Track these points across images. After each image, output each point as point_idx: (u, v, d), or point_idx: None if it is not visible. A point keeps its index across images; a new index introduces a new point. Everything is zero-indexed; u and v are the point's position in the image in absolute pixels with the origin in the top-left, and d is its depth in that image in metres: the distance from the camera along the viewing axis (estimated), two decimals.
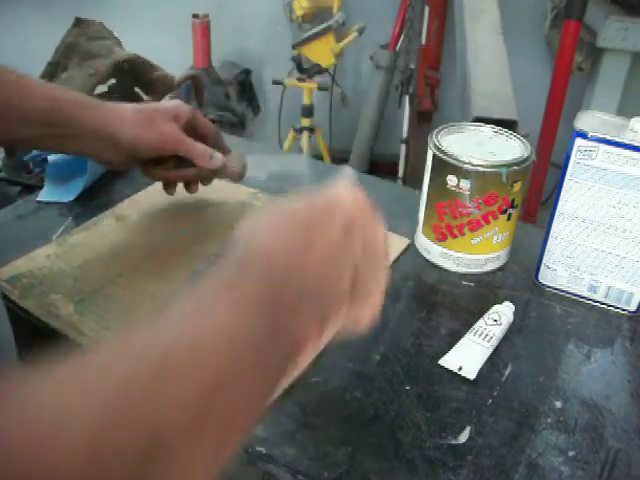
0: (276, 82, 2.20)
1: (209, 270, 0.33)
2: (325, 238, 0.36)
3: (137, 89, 1.02)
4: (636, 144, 0.54)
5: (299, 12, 2.21)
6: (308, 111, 2.24)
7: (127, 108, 0.64)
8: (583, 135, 0.56)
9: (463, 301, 0.62)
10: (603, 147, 0.55)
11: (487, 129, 0.66)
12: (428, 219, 0.64)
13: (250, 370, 0.30)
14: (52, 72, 0.90)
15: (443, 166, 0.60)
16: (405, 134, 2.21)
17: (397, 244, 0.68)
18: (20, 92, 0.59)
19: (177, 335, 0.28)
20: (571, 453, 0.46)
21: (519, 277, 0.65)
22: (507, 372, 0.53)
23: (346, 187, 0.40)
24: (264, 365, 0.31)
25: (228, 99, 2.24)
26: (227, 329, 0.29)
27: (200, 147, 0.65)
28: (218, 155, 0.66)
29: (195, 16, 2.14)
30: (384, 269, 0.41)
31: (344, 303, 0.37)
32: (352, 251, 0.37)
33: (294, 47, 2.13)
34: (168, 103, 0.68)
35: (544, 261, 0.63)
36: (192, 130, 0.67)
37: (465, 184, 0.59)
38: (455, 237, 0.63)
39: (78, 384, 0.25)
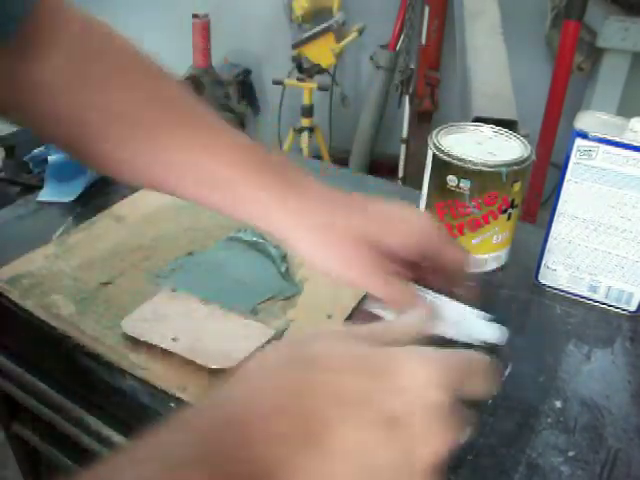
0: (276, 82, 2.20)
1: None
2: (357, 439, 0.26)
3: None
4: (636, 144, 0.54)
5: (299, 12, 2.21)
6: (308, 111, 2.23)
7: (310, 197, 0.45)
8: (583, 135, 0.55)
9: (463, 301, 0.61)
10: (603, 147, 0.55)
11: (487, 129, 0.66)
12: None
13: None
14: None
15: (443, 166, 0.60)
16: (405, 134, 2.21)
17: None
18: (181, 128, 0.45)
19: None
20: (571, 453, 0.46)
21: (519, 277, 0.65)
22: (507, 372, 0.53)
23: (415, 356, 0.28)
24: None
25: (228, 99, 2.25)
26: None
27: (396, 291, 0.44)
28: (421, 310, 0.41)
29: (195, 16, 2.14)
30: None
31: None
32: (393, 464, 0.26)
33: (294, 47, 2.13)
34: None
35: (544, 261, 0.63)
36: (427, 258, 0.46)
37: (465, 184, 0.59)
38: (455, 237, 0.63)
39: None
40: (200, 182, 0.45)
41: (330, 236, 0.44)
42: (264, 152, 0.46)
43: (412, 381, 0.27)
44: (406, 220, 0.46)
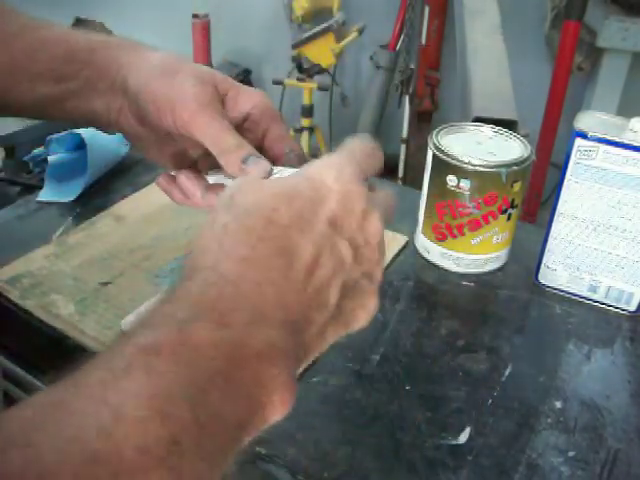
0: (276, 82, 2.20)
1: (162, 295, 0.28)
2: (309, 250, 0.30)
3: None
4: (636, 144, 0.54)
5: (299, 12, 2.21)
6: (308, 111, 2.24)
7: (153, 51, 0.46)
8: (583, 135, 0.55)
9: (463, 301, 0.62)
10: (603, 147, 0.55)
11: (487, 129, 0.66)
12: (428, 219, 0.64)
13: (189, 447, 0.23)
14: None
15: (443, 166, 0.60)
16: (405, 134, 2.21)
17: (395, 242, 0.68)
18: (34, 41, 0.46)
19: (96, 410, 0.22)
20: (571, 453, 0.46)
21: (519, 277, 0.65)
22: (507, 372, 0.53)
23: (332, 168, 0.33)
24: (210, 441, 0.25)
25: None
26: (155, 396, 0.23)
27: (231, 138, 0.42)
28: (262, 162, 0.41)
29: (195, 16, 2.14)
30: (379, 266, 0.35)
31: (333, 322, 0.32)
32: (341, 256, 0.31)
33: (294, 47, 2.13)
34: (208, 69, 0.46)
35: (544, 261, 0.63)
36: (255, 138, 0.46)
37: (465, 184, 0.59)
38: (455, 237, 0.63)
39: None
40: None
41: (171, 66, 0.44)
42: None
43: (338, 186, 0.32)
44: (252, 92, 0.46)
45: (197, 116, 0.42)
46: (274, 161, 0.44)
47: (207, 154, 0.45)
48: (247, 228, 0.30)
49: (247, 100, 0.45)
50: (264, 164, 0.41)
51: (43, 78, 0.46)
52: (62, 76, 0.46)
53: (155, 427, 0.23)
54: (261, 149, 0.45)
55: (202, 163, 0.49)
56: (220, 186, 0.45)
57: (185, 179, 0.46)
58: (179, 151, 0.48)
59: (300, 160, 0.44)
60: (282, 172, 0.41)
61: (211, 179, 0.46)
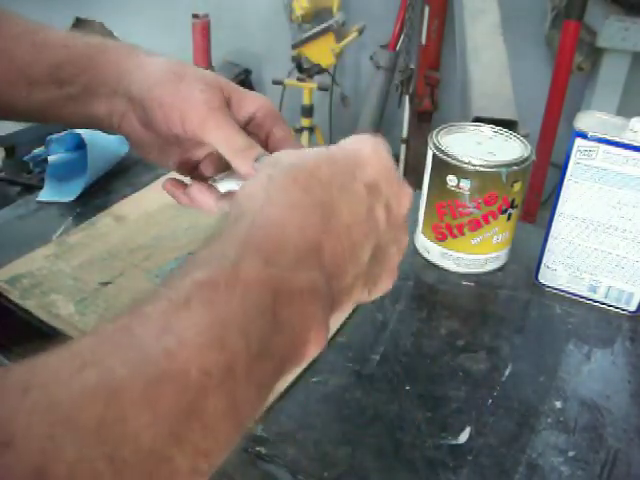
0: (276, 82, 2.20)
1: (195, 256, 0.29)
2: (348, 207, 0.32)
3: None
4: (636, 144, 0.54)
5: (299, 12, 2.21)
6: (308, 111, 2.24)
7: (153, 56, 0.47)
8: (583, 135, 0.55)
9: (463, 301, 0.62)
10: (603, 147, 0.55)
11: (487, 129, 0.66)
12: (428, 219, 0.64)
13: (242, 373, 0.26)
14: None
15: (443, 166, 0.60)
16: (405, 134, 2.21)
17: None
18: (33, 46, 0.46)
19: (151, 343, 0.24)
20: (571, 453, 0.46)
21: (519, 277, 0.65)
22: (507, 372, 0.53)
23: (368, 141, 0.36)
24: (259, 369, 0.27)
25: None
26: (213, 326, 0.25)
27: (242, 139, 0.43)
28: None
29: (195, 16, 2.14)
30: (406, 234, 0.38)
31: (361, 280, 0.34)
32: (376, 217, 0.34)
33: (294, 47, 2.13)
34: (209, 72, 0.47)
35: (544, 261, 0.63)
36: (259, 139, 0.46)
37: (465, 184, 0.59)
38: (455, 237, 0.63)
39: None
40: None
41: (177, 73, 0.44)
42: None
43: (371, 159, 0.35)
44: (255, 95, 0.47)
45: (208, 120, 0.43)
46: None
47: (211, 156, 0.47)
48: (292, 178, 0.32)
49: (251, 103, 0.46)
50: None
51: (42, 83, 0.46)
52: (61, 80, 0.46)
53: (214, 353, 0.25)
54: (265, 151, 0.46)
55: (205, 165, 0.49)
56: (232, 194, 0.46)
57: (198, 192, 0.47)
58: (183, 154, 0.49)
59: None
60: None
61: (222, 187, 0.47)
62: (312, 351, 0.30)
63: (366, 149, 0.35)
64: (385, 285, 0.37)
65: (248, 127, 0.46)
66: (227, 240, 0.29)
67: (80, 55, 0.46)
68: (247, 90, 0.47)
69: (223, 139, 0.43)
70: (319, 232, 0.31)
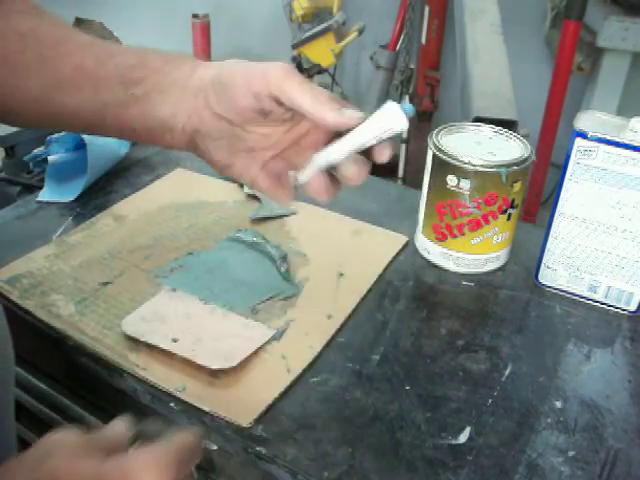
0: None
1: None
2: None
3: None
4: (636, 144, 0.54)
5: (299, 12, 2.21)
6: None
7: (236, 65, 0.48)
8: (583, 135, 0.55)
9: (463, 301, 0.62)
10: (603, 147, 0.55)
11: (487, 129, 0.66)
12: (428, 219, 0.64)
13: None
14: None
15: (443, 166, 0.60)
16: (405, 134, 2.21)
17: (395, 242, 0.68)
18: (106, 49, 0.47)
19: None
20: (571, 453, 0.46)
21: (519, 277, 0.65)
22: (507, 372, 0.53)
23: (150, 466, 0.33)
24: None
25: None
26: None
27: (324, 92, 0.44)
28: (355, 112, 0.43)
29: (195, 16, 2.14)
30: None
31: None
32: None
33: (294, 47, 2.13)
34: (266, 66, 0.46)
35: (544, 261, 0.63)
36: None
37: (465, 184, 0.59)
38: (455, 237, 0.63)
39: None
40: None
41: (251, 65, 0.46)
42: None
43: None
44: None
45: (289, 78, 0.43)
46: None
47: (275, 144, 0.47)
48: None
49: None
50: (356, 113, 0.43)
51: (110, 83, 0.46)
52: (130, 81, 0.46)
53: None
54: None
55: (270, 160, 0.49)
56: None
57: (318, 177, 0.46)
58: (248, 148, 0.48)
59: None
60: (375, 113, 0.43)
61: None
62: None
63: (143, 470, 0.33)
64: None
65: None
66: None
67: (152, 59, 0.47)
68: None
69: (307, 93, 0.43)
70: None
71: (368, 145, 0.44)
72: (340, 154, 0.45)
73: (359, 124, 0.43)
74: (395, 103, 0.44)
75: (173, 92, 0.47)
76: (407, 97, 0.44)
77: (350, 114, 0.43)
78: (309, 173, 0.46)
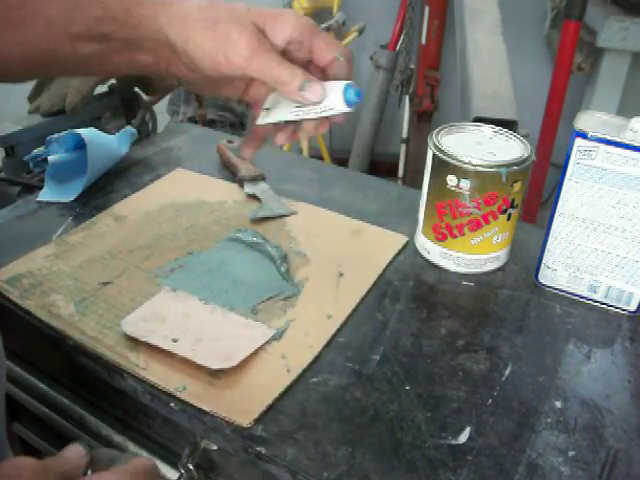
0: None
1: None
2: None
3: (137, 89, 1.02)
4: (636, 144, 0.54)
5: (299, 12, 2.21)
6: None
7: (185, 1, 0.48)
8: (583, 135, 0.55)
9: (463, 301, 0.62)
10: (603, 147, 0.55)
11: (487, 129, 0.66)
12: (428, 219, 0.64)
13: None
14: None
15: (443, 166, 0.60)
16: (405, 134, 2.21)
17: (395, 242, 0.68)
18: (68, 2, 0.46)
19: None
20: (571, 453, 0.46)
21: (519, 277, 0.65)
22: (507, 372, 0.53)
23: None
24: None
25: (228, 99, 2.24)
26: None
27: (285, 71, 0.47)
28: (315, 86, 0.47)
29: None
30: None
31: None
32: None
33: None
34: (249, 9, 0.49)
35: (544, 261, 0.63)
36: (304, 54, 0.50)
37: (465, 184, 0.59)
38: (455, 237, 0.63)
39: None
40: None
41: (217, 24, 0.47)
42: None
43: None
44: (287, 16, 0.49)
45: (251, 60, 0.47)
46: (326, 69, 0.50)
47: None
48: None
49: (285, 25, 0.48)
50: (317, 88, 0.47)
51: (82, 38, 0.47)
52: (101, 36, 0.47)
53: None
54: (311, 63, 0.50)
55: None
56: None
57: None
58: (234, 84, 0.53)
59: (349, 62, 0.50)
60: (332, 85, 0.48)
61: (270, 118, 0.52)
62: None
63: None
64: None
65: (289, 47, 0.49)
66: None
67: (117, 10, 0.47)
68: (281, 12, 0.49)
69: (268, 75, 0.47)
70: None
71: (309, 118, 0.49)
72: (287, 118, 0.51)
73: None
74: (346, 85, 0.47)
75: (147, 45, 0.48)
76: (355, 86, 0.48)
77: (312, 91, 0.47)
78: (262, 122, 0.52)
